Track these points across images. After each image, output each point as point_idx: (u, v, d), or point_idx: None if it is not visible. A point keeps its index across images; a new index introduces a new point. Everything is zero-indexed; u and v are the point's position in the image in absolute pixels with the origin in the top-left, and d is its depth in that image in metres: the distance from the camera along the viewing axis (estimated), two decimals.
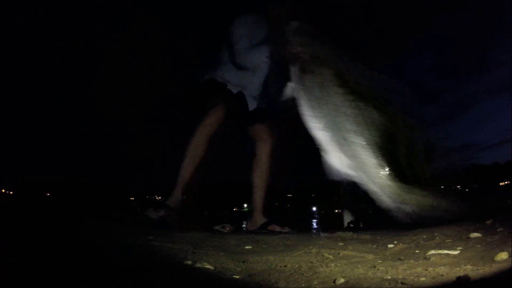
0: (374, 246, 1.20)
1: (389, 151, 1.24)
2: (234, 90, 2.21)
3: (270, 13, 2.26)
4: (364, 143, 1.24)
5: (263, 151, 2.25)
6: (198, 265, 0.84)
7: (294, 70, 1.50)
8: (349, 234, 1.53)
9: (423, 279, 0.67)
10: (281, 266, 0.86)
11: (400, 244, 1.15)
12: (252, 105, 2.24)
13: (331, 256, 0.99)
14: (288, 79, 1.52)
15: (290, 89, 1.49)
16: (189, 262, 0.86)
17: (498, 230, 1.04)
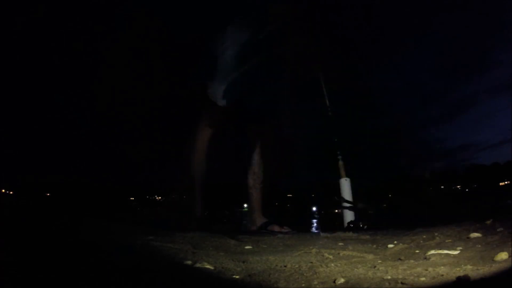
0: (374, 246, 1.20)
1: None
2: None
3: (270, 13, 2.26)
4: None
5: (258, 152, 2.25)
6: (198, 265, 0.84)
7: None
8: (349, 234, 1.54)
9: (423, 279, 0.67)
10: (281, 266, 0.86)
11: (400, 244, 1.15)
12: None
13: (331, 256, 0.99)
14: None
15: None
16: (189, 262, 0.86)
17: (498, 230, 1.04)
